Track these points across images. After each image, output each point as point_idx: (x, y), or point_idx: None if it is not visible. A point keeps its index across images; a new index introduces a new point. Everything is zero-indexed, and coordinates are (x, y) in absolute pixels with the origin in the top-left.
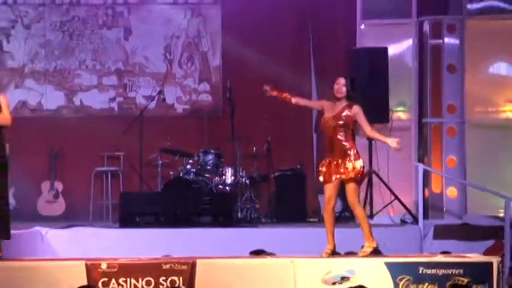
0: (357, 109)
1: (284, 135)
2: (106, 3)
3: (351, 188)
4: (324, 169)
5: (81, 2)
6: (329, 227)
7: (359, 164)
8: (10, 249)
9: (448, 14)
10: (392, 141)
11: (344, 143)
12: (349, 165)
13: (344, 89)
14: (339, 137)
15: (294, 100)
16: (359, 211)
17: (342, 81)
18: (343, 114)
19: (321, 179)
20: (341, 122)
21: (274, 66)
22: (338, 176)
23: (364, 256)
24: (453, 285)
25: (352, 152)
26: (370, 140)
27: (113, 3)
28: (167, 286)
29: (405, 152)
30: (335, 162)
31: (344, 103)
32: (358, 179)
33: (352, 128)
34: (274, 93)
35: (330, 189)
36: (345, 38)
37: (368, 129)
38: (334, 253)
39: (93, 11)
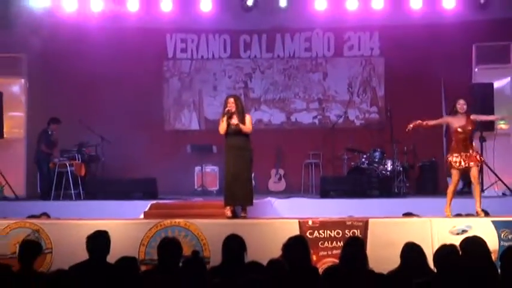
0: (474, 116)
1: (424, 140)
2: (311, 57)
3: (477, 170)
4: (457, 159)
5: (295, 56)
6: (452, 198)
7: (479, 155)
8: (252, 212)
9: None
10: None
11: (470, 142)
12: (477, 156)
13: (465, 106)
14: (467, 138)
15: (426, 123)
16: (479, 187)
17: (462, 101)
18: (469, 123)
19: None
20: (470, 128)
21: (417, 95)
22: (472, 164)
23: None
24: None
25: (474, 148)
26: (481, 141)
27: (316, 57)
28: (350, 236)
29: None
30: (464, 155)
31: (466, 116)
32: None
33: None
34: (416, 125)
35: (458, 174)
36: (465, 76)
37: (484, 117)
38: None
39: (303, 62)
